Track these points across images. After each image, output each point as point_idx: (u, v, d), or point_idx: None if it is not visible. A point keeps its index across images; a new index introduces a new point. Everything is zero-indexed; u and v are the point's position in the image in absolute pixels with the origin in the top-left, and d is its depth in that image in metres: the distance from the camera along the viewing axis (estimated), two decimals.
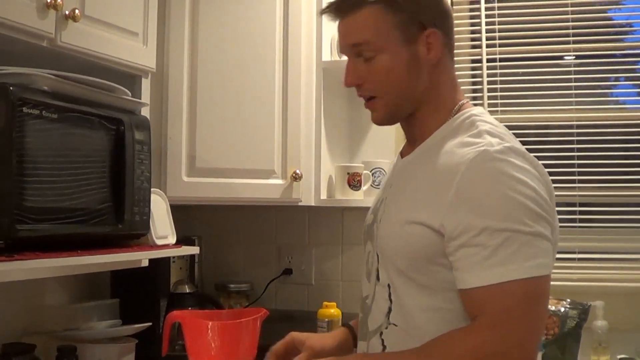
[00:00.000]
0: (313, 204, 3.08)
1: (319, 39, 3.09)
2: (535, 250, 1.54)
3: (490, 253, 1.53)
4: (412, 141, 1.87)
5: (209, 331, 2.56)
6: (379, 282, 1.78)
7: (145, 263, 2.49)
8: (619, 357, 3.03)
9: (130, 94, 2.35)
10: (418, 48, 1.75)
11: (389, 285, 1.73)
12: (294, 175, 2.94)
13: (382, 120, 1.85)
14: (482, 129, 1.68)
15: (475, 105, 1.85)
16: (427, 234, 1.63)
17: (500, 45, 3.47)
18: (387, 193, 1.86)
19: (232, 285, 3.45)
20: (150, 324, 2.79)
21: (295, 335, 2.02)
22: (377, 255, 1.79)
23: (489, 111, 2.43)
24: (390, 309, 1.73)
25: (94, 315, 2.94)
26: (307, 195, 3.03)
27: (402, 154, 1.93)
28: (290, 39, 3.00)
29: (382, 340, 1.74)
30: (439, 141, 1.74)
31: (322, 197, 3.11)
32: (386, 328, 1.73)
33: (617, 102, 3.48)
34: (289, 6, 3.01)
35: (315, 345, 1.97)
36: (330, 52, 3.18)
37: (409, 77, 1.77)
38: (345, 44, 1.81)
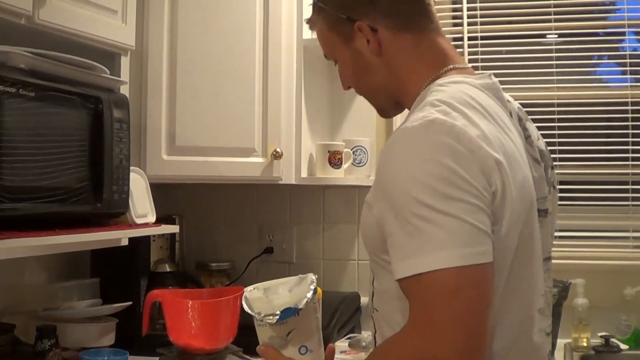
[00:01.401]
0: (294, 182, 3.07)
1: (300, 17, 3.06)
2: (447, 238, 1.38)
3: (402, 244, 1.42)
4: None
5: (189, 310, 2.56)
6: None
7: (125, 242, 2.47)
8: (599, 334, 3.05)
9: (109, 71, 2.33)
10: (358, 43, 1.74)
11: (372, 270, 1.69)
12: (274, 153, 2.92)
13: (379, 113, 1.89)
14: (428, 100, 1.55)
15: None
16: (371, 216, 1.56)
17: (482, 23, 3.47)
18: None
19: (213, 264, 3.44)
20: (130, 303, 2.78)
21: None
22: None
23: None
24: (373, 294, 1.69)
25: (74, 294, 2.93)
26: (287, 174, 3.02)
27: None
28: (271, 17, 2.98)
29: (374, 323, 1.70)
30: (406, 117, 1.66)
31: (302, 176, 3.10)
32: (373, 312, 1.70)
33: (598, 81, 3.48)
34: None
35: None
36: (311, 30, 3.15)
37: (363, 73, 1.77)
38: None
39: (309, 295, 1.69)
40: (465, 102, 1.53)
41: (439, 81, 1.65)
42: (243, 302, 1.69)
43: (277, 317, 1.63)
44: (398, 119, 3.30)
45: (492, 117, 1.56)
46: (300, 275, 1.78)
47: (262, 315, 1.65)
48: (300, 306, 1.66)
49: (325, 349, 1.78)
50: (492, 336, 1.46)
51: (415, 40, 1.73)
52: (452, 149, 1.43)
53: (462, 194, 1.40)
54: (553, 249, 1.75)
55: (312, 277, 1.75)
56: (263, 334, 1.69)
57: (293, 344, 1.69)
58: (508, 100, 1.70)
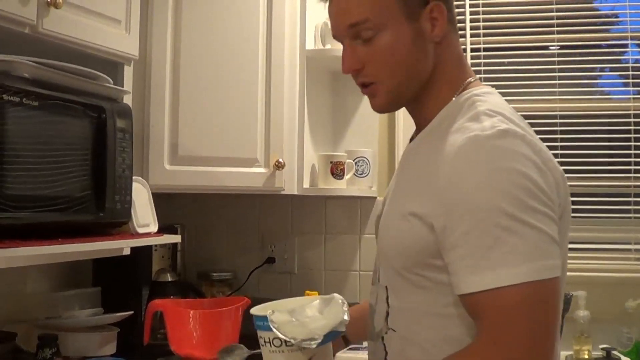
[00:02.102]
0: (296, 192, 3.07)
1: (303, 28, 3.07)
2: (530, 250, 1.36)
3: (481, 255, 1.37)
4: (419, 125, 1.70)
5: (191, 320, 2.56)
6: (379, 283, 1.68)
7: (127, 251, 2.47)
8: (600, 347, 3.04)
9: (112, 81, 2.33)
10: (422, 24, 1.58)
11: (386, 288, 1.63)
12: (276, 163, 2.92)
13: (384, 106, 1.69)
14: (480, 110, 1.51)
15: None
16: (419, 228, 1.50)
17: (485, 35, 3.47)
18: (393, 182, 1.75)
19: (214, 274, 3.44)
20: (132, 312, 2.78)
21: None
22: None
23: None
24: (388, 313, 1.62)
25: (75, 303, 2.92)
26: (289, 184, 3.02)
27: (411, 139, 1.75)
28: (274, 28, 2.98)
29: (384, 345, 1.64)
30: (439, 125, 1.60)
31: (305, 186, 3.10)
32: (386, 333, 1.63)
33: (601, 93, 3.48)
34: None
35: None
36: (314, 41, 3.17)
37: (414, 56, 1.60)
38: (341, 26, 1.62)
39: (346, 317, 1.61)
40: (512, 113, 1.54)
41: (474, 91, 1.61)
42: (272, 328, 1.57)
43: (318, 341, 1.55)
44: (401, 131, 3.32)
45: (531, 130, 1.56)
46: (322, 297, 1.70)
47: (299, 340, 1.54)
48: (341, 329, 1.59)
49: None
50: None
51: (457, 42, 1.69)
52: (531, 160, 1.43)
53: (543, 206, 1.40)
54: None
55: (340, 297, 1.67)
56: None
57: None
58: None
